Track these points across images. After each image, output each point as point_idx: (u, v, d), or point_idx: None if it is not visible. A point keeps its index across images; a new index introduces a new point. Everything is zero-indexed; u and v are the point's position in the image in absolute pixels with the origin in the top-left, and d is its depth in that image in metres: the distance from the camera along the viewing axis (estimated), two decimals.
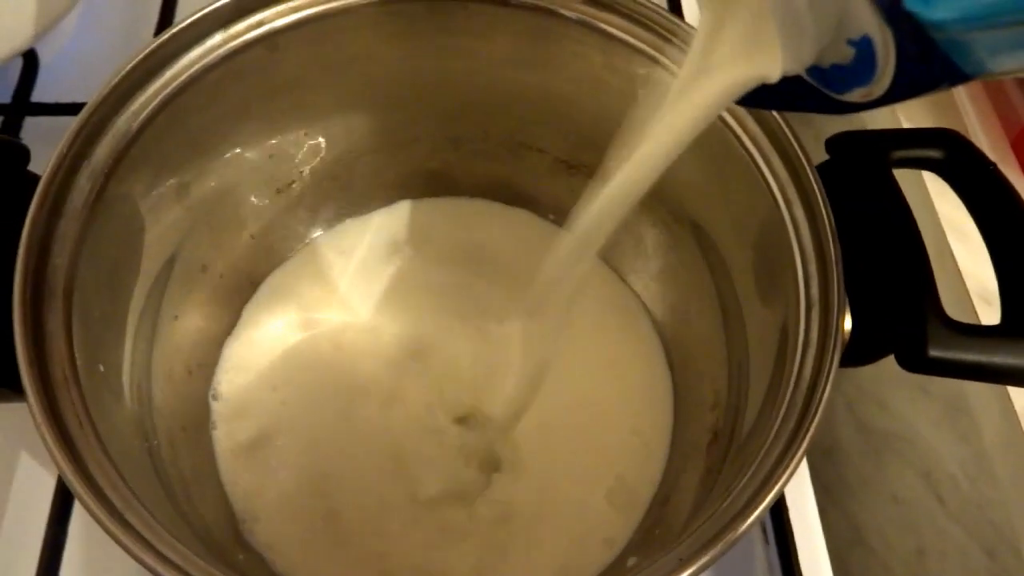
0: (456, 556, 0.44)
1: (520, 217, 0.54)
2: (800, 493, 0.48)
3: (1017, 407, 0.48)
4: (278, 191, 0.48)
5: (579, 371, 0.48)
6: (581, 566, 0.43)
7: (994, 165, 0.37)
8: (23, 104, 0.56)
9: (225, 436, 0.46)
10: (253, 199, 0.48)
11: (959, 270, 0.51)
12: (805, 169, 0.36)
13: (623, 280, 0.51)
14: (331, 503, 0.44)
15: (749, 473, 0.31)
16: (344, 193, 0.52)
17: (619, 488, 0.45)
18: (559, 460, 0.46)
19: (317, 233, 0.52)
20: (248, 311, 0.49)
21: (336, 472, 0.45)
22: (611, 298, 0.51)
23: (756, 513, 0.29)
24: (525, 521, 0.44)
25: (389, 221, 0.53)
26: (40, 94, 0.57)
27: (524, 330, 0.45)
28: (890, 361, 0.59)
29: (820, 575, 0.46)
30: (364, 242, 0.53)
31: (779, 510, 0.46)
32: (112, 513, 0.27)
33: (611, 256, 0.51)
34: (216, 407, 0.46)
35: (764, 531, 0.46)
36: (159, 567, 0.26)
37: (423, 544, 0.44)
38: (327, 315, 0.50)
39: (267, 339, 0.49)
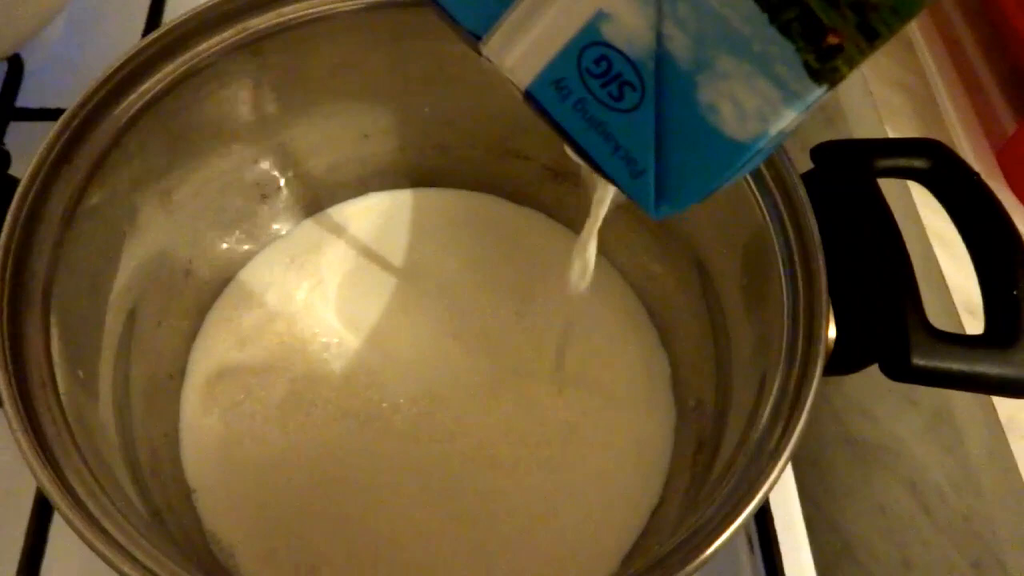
0: (441, 563, 0.43)
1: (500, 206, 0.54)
2: (786, 502, 0.48)
3: (1002, 417, 0.48)
4: (263, 196, 0.48)
5: (584, 375, 0.48)
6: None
7: (978, 175, 0.37)
8: (7, 109, 0.56)
9: (193, 449, 0.44)
10: (237, 204, 0.47)
11: (945, 281, 0.52)
12: (790, 178, 0.36)
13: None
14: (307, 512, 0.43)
15: (733, 481, 0.31)
16: (330, 199, 0.52)
17: (620, 500, 0.45)
18: (558, 468, 0.45)
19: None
20: (216, 312, 0.49)
21: (311, 479, 0.44)
22: (618, 301, 0.51)
23: (740, 518, 0.29)
24: (517, 529, 0.44)
25: (375, 210, 0.53)
26: (25, 99, 0.57)
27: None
28: (876, 372, 0.59)
29: None
30: (344, 234, 0.52)
31: (764, 519, 0.46)
32: (89, 521, 0.27)
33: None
34: (184, 421, 0.45)
35: (749, 540, 0.46)
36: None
37: (403, 561, 0.43)
38: (301, 315, 0.49)
39: (232, 344, 0.48)
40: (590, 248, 0.38)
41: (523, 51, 0.26)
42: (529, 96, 0.27)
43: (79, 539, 0.26)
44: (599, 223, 0.36)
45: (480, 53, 0.27)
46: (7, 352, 0.29)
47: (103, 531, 0.27)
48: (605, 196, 0.34)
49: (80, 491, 0.28)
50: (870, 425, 0.61)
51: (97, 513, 0.27)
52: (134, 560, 0.26)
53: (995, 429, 0.49)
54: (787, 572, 0.44)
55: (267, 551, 0.42)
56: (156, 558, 0.27)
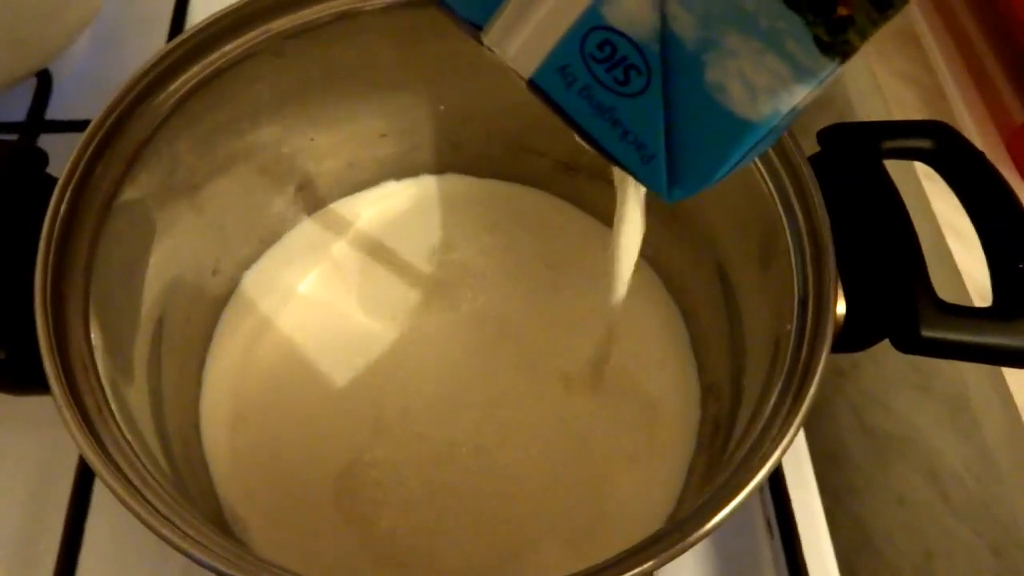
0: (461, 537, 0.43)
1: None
2: (804, 488, 0.48)
3: (1018, 402, 0.48)
4: (285, 194, 0.49)
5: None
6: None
7: (982, 154, 0.37)
8: (38, 121, 0.58)
9: (214, 443, 0.45)
10: (261, 203, 0.48)
11: (957, 270, 0.52)
12: (798, 160, 0.37)
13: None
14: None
15: (746, 450, 0.32)
16: (349, 196, 0.53)
17: (651, 481, 0.45)
18: (579, 453, 0.46)
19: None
20: (234, 306, 0.49)
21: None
22: (642, 288, 0.50)
23: (753, 482, 0.29)
24: (530, 515, 0.44)
25: (396, 197, 0.54)
26: (54, 112, 0.59)
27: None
28: (891, 363, 0.59)
29: (826, 570, 0.46)
30: (363, 223, 0.53)
31: (782, 504, 0.46)
32: (132, 492, 0.28)
33: None
34: (204, 413, 0.46)
35: (769, 525, 0.47)
36: (179, 541, 0.27)
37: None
38: (320, 307, 0.50)
39: (250, 336, 0.48)
40: (625, 258, 0.38)
41: (525, 39, 0.26)
42: (533, 85, 0.26)
43: (122, 506, 0.28)
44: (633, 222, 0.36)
45: (482, 43, 0.27)
46: (52, 335, 0.30)
47: (145, 501, 0.28)
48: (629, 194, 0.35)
49: (122, 464, 0.29)
50: (887, 416, 0.61)
51: (139, 484, 0.28)
52: (174, 526, 0.27)
53: (1011, 413, 0.48)
54: (807, 557, 0.45)
55: (280, 543, 0.42)
56: (195, 526, 0.28)
